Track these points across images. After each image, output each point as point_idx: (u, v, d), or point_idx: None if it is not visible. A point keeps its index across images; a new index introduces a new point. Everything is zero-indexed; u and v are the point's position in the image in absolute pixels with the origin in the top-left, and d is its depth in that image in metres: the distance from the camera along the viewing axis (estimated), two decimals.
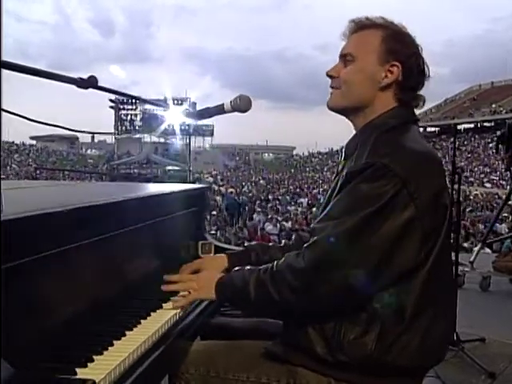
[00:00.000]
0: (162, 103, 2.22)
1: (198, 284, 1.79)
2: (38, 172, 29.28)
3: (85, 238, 1.64)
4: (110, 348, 1.44)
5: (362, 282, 1.46)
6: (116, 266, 1.88)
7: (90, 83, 1.42)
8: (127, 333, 1.56)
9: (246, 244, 2.43)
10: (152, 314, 1.75)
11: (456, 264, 4.59)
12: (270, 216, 21.27)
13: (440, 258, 1.57)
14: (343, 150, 1.77)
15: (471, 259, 6.54)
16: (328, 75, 1.76)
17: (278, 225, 19.26)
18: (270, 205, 27.10)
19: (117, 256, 1.89)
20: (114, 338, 1.50)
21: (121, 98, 38.46)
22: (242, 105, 1.82)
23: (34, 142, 74.47)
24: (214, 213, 24.31)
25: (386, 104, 1.68)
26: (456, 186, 4.46)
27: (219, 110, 1.88)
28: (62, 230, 1.51)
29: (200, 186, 2.85)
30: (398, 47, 1.66)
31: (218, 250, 2.62)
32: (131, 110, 49.21)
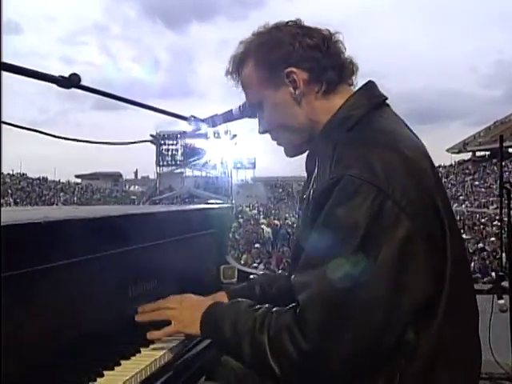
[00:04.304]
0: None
1: (180, 313, 1.48)
2: None
3: (83, 254, 1.48)
4: None
5: (374, 337, 1.17)
6: (116, 288, 1.70)
7: (73, 82, 1.28)
8: (105, 372, 1.35)
9: (251, 276, 2.18)
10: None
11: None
12: None
13: (458, 281, 1.24)
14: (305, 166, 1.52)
15: None
16: (261, 133, 1.57)
17: None
18: None
19: (120, 276, 1.72)
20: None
21: (162, 133, 39.05)
22: (250, 109, 1.67)
23: (79, 181, 76.44)
24: (257, 245, 24.16)
25: (324, 107, 1.42)
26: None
27: (228, 115, 1.74)
28: (59, 243, 1.37)
29: (222, 205, 2.67)
30: (272, 56, 1.41)
31: (242, 274, 2.46)
32: (172, 144, 50.10)
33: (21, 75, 1.28)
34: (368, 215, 1.14)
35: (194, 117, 1.80)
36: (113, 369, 1.36)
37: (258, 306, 1.35)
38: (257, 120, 1.67)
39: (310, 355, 1.17)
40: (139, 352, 1.49)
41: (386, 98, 1.44)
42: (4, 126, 1.27)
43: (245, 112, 1.69)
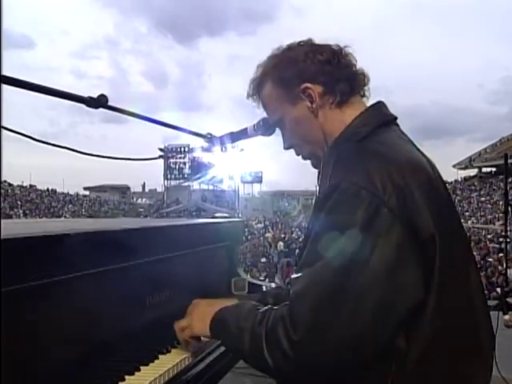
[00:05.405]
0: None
1: (193, 317, 1.55)
2: None
3: (107, 264, 1.57)
4: None
5: (361, 339, 1.20)
6: (134, 298, 1.78)
7: (100, 103, 1.36)
8: (126, 377, 1.43)
9: (264, 289, 2.23)
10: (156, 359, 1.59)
11: None
12: None
13: (450, 282, 1.28)
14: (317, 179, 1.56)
15: None
16: (286, 149, 1.64)
17: None
18: None
19: (139, 287, 1.80)
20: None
21: (170, 147, 39.24)
22: (264, 128, 1.74)
23: (87, 193, 76.75)
24: (264, 260, 24.15)
25: (337, 118, 1.48)
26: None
27: (242, 134, 1.81)
28: (74, 255, 1.43)
29: (234, 219, 2.75)
30: (287, 74, 1.50)
31: (252, 287, 2.52)
32: (180, 158, 50.51)
33: (51, 95, 1.36)
34: (363, 219, 1.19)
35: (211, 134, 1.87)
36: (133, 374, 1.44)
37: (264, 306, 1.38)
38: (268, 137, 1.75)
39: (298, 346, 1.20)
40: (157, 359, 1.57)
41: (396, 118, 1.51)
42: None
43: (259, 130, 1.76)
